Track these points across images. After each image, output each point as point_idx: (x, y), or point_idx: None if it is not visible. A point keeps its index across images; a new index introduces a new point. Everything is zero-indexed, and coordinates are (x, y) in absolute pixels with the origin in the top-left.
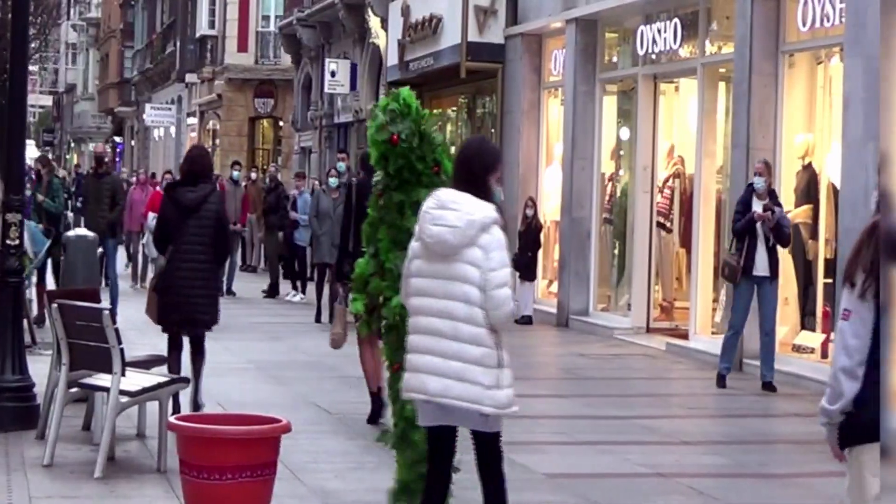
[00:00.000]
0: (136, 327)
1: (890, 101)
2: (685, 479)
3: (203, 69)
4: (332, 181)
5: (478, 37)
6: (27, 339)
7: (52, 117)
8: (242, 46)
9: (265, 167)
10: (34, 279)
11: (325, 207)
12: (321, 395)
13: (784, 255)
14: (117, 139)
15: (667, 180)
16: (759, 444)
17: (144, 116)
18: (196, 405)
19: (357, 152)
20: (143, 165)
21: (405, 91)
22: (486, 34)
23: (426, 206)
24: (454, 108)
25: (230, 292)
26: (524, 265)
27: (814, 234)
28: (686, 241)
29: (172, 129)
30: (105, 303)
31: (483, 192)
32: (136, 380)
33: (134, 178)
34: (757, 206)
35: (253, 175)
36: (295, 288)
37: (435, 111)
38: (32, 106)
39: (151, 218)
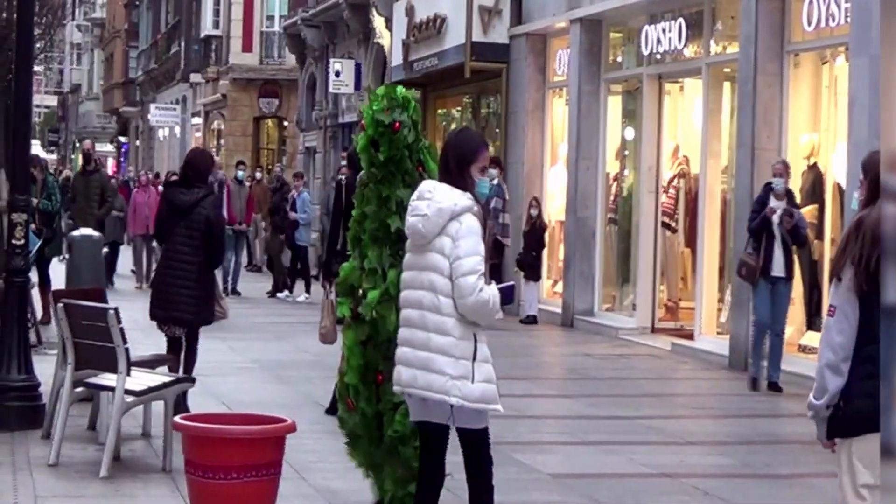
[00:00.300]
0: (142, 327)
1: (891, 104)
2: (690, 479)
3: (207, 69)
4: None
5: (482, 37)
6: (33, 338)
7: (57, 117)
8: (247, 46)
9: (270, 167)
10: (35, 280)
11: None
12: (326, 395)
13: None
14: (122, 139)
15: (672, 180)
16: (764, 444)
17: (149, 116)
18: (182, 406)
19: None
20: (145, 167)
21: (401, 89)
22: (490, 34)
23: (410, 199)
24: (458, 108)
25: (235, 292)
26: (529, 265)
27: (819, 234)
28: (691, 240)
29: (177, 129)
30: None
31: (461, 182)
32: (141, 379)
33: (136, 181)
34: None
35: (258, 175)
36: (289, 289)
37: (439, 111)
38: (37, 106)
39: None
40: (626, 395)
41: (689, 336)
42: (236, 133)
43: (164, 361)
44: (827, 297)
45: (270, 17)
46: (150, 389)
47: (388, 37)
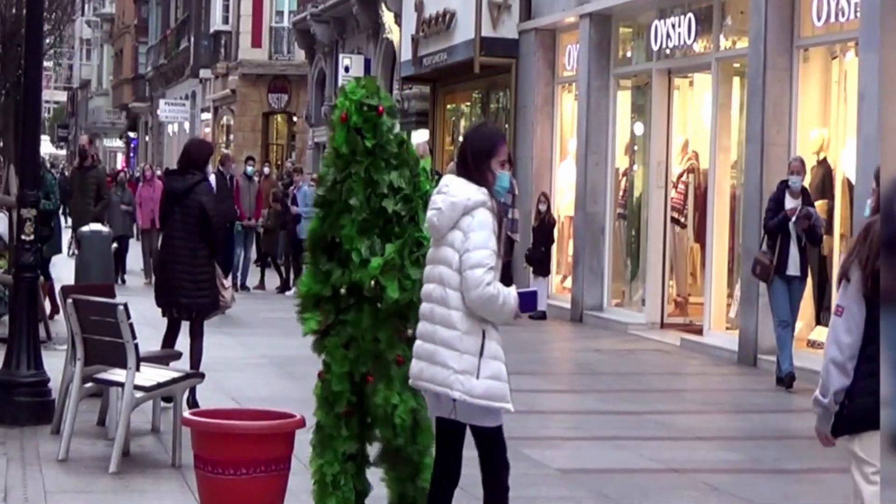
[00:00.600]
0: (151, 323)
1: (891, 104)
2: (699, 474)
3: (217, 65)
4: None
5: (491, 32)
6: (42, 334)
7: (66, 113)
8: (256, 42)
9: (279, 162)
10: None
11: None
12: None
13: None
14: (132, 135)
15: (681, 175)
16: (773, 439)
17: (158, 112)
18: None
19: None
20: (154, 162)
21: (370, 78)
22: (499, 29)
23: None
24: (468, 104)
25: (244, 287)
26: (538, 260)
27: (829, 230)
28: (700, 236)
29: (186, 125)
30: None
31: (478, 177)
32: (150, 375)
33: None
34: (791, 205)
35: (266, 170)
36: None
37: (448, 106)
38: (47, 101)
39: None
40: (635, 391)
41: (699, 331)
42: (245, 128)
43: (174, 357)
44: (836, 292)
45: (280, 13)
46: (160, 385)
47: (398, 32)
